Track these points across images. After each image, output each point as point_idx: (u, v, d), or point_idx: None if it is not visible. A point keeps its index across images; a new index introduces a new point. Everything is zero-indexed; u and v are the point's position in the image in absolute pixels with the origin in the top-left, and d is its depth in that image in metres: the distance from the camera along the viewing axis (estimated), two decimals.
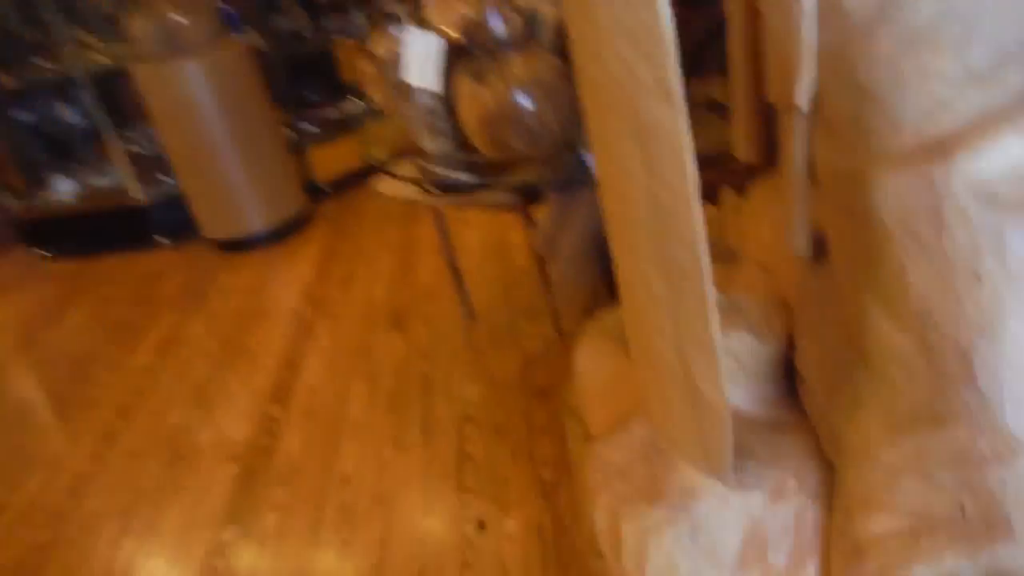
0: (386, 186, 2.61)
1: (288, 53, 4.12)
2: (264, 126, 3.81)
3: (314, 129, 4.20)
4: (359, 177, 4.11)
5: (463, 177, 2.39)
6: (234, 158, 3.71)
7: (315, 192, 4.13)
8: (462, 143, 1.95)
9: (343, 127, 4.17)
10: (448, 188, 2.39)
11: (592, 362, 1.46)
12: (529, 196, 2.35)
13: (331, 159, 4.15)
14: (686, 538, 1.00)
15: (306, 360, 2.82)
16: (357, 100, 4.28)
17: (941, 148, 0.79)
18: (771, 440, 1.08)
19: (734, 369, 1.07)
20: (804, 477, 1.01)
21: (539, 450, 2.14)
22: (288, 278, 3.48)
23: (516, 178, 2.42)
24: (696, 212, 0.79)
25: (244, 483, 2.30)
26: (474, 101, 1.76)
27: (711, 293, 0.83)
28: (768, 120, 1.21)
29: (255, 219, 3.79)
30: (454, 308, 2.87)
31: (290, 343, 2.95)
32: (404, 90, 1.93)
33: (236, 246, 3.80)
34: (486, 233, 3.37)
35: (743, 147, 1.26)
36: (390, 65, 1.89)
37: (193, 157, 3.71)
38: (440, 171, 2.42)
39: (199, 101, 3.60)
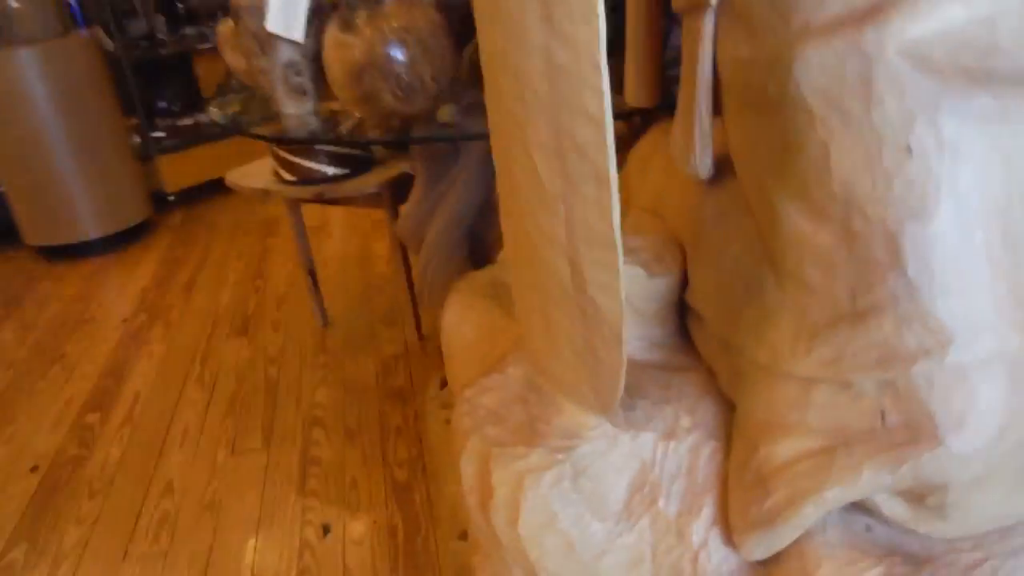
0: (238, 176, 2.40)
1: (141, 57, 3.83)
2: (106, 128, 3.48)
3: (166, 137, 3.90)
4: (211, 188, 3.83)
5: (326, 169, 2.22)
6: (67, 159, 3.36)
7: (162, 201, 3.80)
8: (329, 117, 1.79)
9: (198, 137, 3.90)
10: (308, 180, 2.21)
11: (461, 317, 1.30)
12: (395, 189, 2.21)
13: (183, 169, 3.85)
14: (567, 483, 0.85)
15: (134, 367, 2.50)
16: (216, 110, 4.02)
17: (873, 12, 0.71)
18: (663, 379, 0.95)
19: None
20: (699, 414, 0.89)
21: (393, 452, 1.94)
22: (121, 285, 3.13)
23: (382, 172, 2.27)
24: (603, 75, 0.67)
25: (43, 497, 1.96)
26: (342, 51, 1.61)
27: (615, 179, 0.71)
28: (662, 63, 1.14)
29: (88, 225, 3.43)
30: (308, 315, 2.65)
31: (116, 350, 2.62)
32: (265, 42, 1.75)
33: (64, 252, 3.41)
34: (347, 244, 3.18)
35: (635, 91, 1.17)
36: (251, 12, 1.72)
37: (20, 155, 3.34)
38: (301, 160, 2.24)
39: (31, 94, 3.26)
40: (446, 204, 1.97)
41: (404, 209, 2.05)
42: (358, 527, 1.73)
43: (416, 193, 2.02)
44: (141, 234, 3.59)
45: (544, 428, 0.91)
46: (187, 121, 4.06)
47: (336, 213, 3.49)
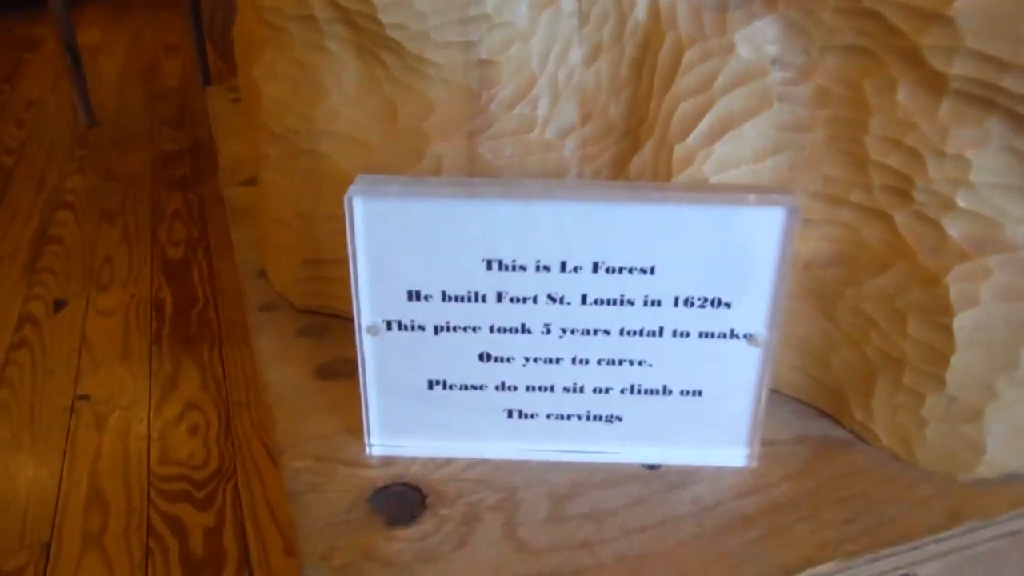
0: None
1: None
2: None
3: None
4: None
5: None
6: None
7: None
8: None
9: None
10: None
11: None
12: None
13: None
14: None
15: None
16: None
17: None
18: None
19: None
20: None
21: (167, 233, 1.48)
22: None
23: None
24: None
25: None
26: None
27: None
28: None
29: None
30: (68, 114, 2.09)
31: None
32: None
33: None
34: (132, 62, 2.60)
35: None
36: None
37: None
38: None
39: None
40: None
41: None
42: (108, 300, 1.27)
43: None
44: None
45: None
46: None
47: (121, 34, 2.88)
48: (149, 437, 1.01)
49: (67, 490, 0.93)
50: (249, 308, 0.55)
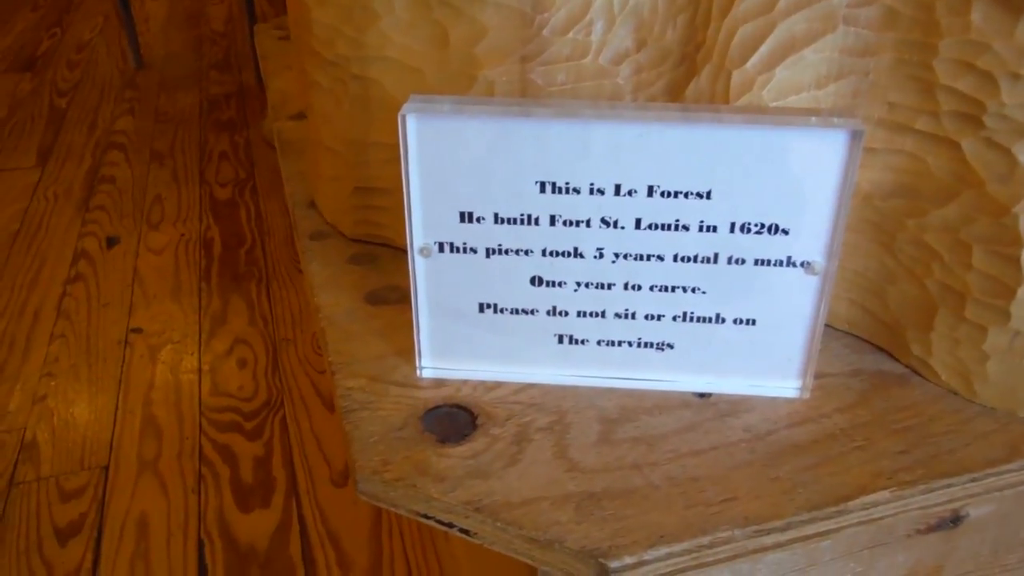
0: None
1: None
2: None
3: None
4: None
5: None
6: None
7: None
8: None
9: None
10: None
11: None
12: None
13: None
14: None
15: None
16: None
17: None
18: None
19: None
20: None
21: (215, 174, 1.50)
22: None
23: None
24: None
25: None
26: None
27: None
28: None
29: None
30: (118, 56, 2.11)
31: None
32: None
33: None
34: (176, 5, 2.61)
35: None
36: None
37: None
38: None
39: None
40: None
41: None
42: (159, 238, 1.30)
43: None
44: None
45: None
46: None
47: None
48: (200, 370, 1.04)
49: (122, 418, 0.96)
50: (300, 236, 0.56)
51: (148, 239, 1.30)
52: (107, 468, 0.90)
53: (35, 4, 2.62)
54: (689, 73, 0.43)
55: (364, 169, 0.50)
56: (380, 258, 0.52)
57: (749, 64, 0.40)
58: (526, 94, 0.44)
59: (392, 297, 0.48)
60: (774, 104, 0.40)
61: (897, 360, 0.43)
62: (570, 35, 0.43)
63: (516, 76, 0.44)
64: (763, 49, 0.39)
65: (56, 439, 0.94)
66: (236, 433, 0.94)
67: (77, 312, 1.15)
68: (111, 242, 1.29)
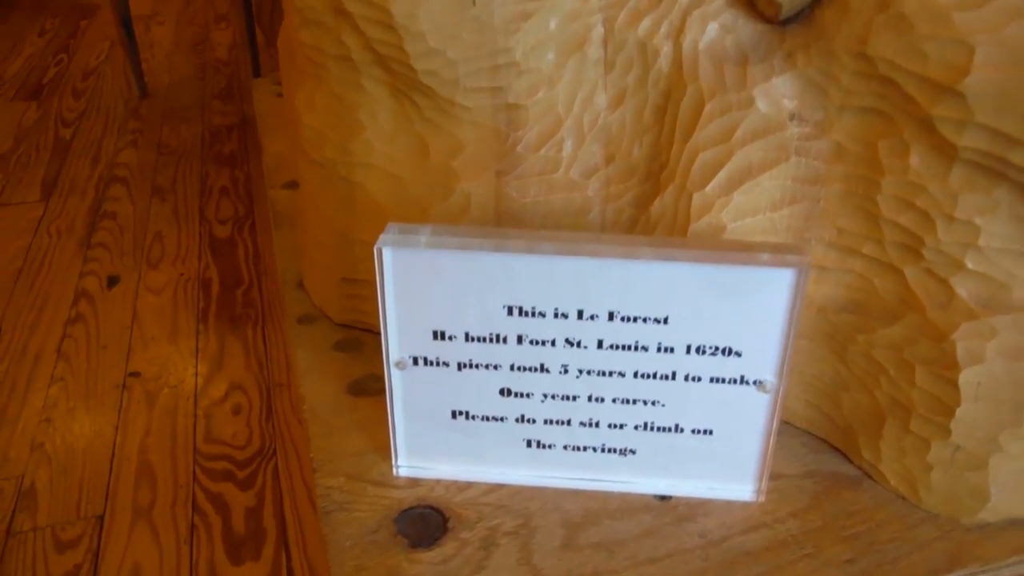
0: None
1: None
2: None
3: None
4: None
5: None
6: None
7: None
8: None
9: None
10: None
11: None
12: None
13: None
14: None
15: None
16: None
17: None
18: None
19: None
20: None
21: (215, 210, 1.53)
22: None
23: None
24: None
25: None
26: None
27: None
28: None
29: None
30: (122, 85, 2.14)
31: None
32: None
33: None
34: (182, 31, 2.64)
35: None
36: None
37: None
38: None
39: None
40: None
41: None
42: (158, 278, 1.32)
43: None
44: None
45: None
46: None
47: (172, 4, 2.93)
48: (195, 416, 1.06)
49: (118, 465, 0.99)
50: (288, 319, 0.58)
51: (147, 279, 1.32)
52: (102, 517, 0.92)
53: (42, 29, 2.66)
54: (655, 190, 0.45)
55: (350, 263, 0.53)
56: (365, 344, 0.55)
57: (708, 188, 0.42)
58: (501, 205, 0.47)
59: (374, 388, 0.51)
60: (732, 225, 0.43)
61: (851, 462, 0.46)
62: (542, 151, 0.45)
63: (491, 188, 0.46)
64: (722, 174, 0.42)
65: (53, 487, 0.96)
66: (229, 482, 0.96)
67: (77, 354, 1.17)
68: (111, 281, 1.32)
